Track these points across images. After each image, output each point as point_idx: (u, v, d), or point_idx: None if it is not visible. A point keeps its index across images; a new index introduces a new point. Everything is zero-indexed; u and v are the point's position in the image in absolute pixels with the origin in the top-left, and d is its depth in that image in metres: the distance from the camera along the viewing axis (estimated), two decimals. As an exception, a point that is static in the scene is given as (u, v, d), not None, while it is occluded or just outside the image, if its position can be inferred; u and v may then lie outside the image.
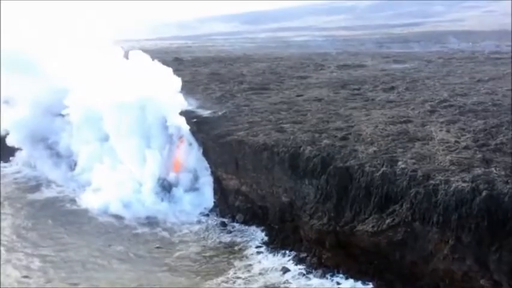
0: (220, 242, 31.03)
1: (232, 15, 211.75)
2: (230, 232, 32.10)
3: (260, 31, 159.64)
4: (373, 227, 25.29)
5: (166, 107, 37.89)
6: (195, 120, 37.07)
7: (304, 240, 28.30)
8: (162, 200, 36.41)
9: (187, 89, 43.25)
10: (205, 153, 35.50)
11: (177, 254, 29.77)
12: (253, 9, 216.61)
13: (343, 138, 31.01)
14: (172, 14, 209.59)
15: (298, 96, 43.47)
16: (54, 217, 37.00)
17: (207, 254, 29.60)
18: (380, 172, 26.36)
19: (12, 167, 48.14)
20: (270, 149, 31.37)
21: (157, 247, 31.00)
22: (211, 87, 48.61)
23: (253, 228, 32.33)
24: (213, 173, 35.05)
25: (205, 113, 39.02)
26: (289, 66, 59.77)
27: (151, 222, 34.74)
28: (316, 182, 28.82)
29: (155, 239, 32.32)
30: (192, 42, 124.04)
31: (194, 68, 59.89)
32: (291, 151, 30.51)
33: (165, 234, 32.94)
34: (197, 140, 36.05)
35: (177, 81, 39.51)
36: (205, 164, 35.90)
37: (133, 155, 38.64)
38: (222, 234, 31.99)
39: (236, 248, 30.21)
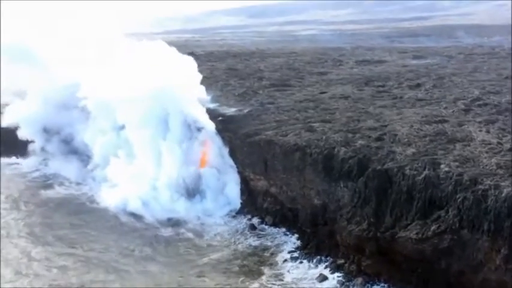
0: (250, 246, 29.77)
1: (238, 9, 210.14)
2: (260, 236, 30.81)
3: (267, 25, 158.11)
4: (417, 233, 24.07)
5: (185, 98, 36.66)
6: (220, 118, 35.75)
7: (341, 246, 27.06)
8: (184, 199, 35.05)
9: (206, 85, 42.01)
10: (232, 153, 34.27)
11: (207, 258, 28.54)
12: (259, 2, 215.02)
13: (378, 139, 29.80)
14: (176, 7, 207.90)
15: (322, 93, 42.24)
16: (72, 216, 35.90)
17: (239, 259, 28.35)
18: (422, 176, 25.12)
19: (24, 163, 47.06)
20: (302, 149, 30.17)
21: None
22: (231, 84, 47.39)
23: (283, 231, 31.11)
24: (240, 173, 33.80)
25: (230, 110, 37.81)
26: (306, 62, 58.46)
27: (173, 222, 33.53)
28: (352, 185, 27.63)
29: (181, 241, 31.15)
30: (199, 36, 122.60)
31: (210, 63, 58.53)
32: (325, 152, 29.30)
33: (190, 235, 31.75)
34: (223, 138, 34.75)
35: (196, 71, 38.40)
36: (230, 163, 34.59)
37: (150, 149, 37.39)
38: (251, 237, 30.71)
39: (267, 253, 28.95)
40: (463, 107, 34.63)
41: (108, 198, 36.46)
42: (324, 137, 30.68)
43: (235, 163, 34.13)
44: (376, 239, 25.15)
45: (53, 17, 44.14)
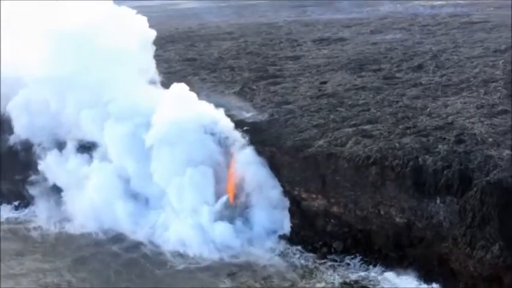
0: (339, 284, 24.97)
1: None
2: (337, 267, 26.04)
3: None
4: None
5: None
6: (245, 128, 30.15)
7: (460, 275, 23.32)
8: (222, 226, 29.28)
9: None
10: (274, 169, 28.94)
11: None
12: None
13: (459, 141, 26.33)
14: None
15: (323, 83, 37.76)
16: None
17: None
18: (552, 186, 22.05)
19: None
20: (380, 163, 25.82)
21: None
22: (208, 79, 41.26)
23: (360, 258, 26.58)
24: (287, 193, 28.66)
25: (245, 116, 32.27)
26: (260, 44, 53.08)
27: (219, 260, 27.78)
28: (452, 200, 24.09)
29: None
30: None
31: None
32: (410, 164, 25.23)
33: (253, 284, 25.82)
34: (260, 153, 29.23)
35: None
36: (271, 181, 29.19)
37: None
38: (328, 273, 25.85)
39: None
40: (505, 92, 32.07)
41: None
42: (396, 145, 26.58)
43: (279, 181, 28.86)
44: (517, 266, 21.76)
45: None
